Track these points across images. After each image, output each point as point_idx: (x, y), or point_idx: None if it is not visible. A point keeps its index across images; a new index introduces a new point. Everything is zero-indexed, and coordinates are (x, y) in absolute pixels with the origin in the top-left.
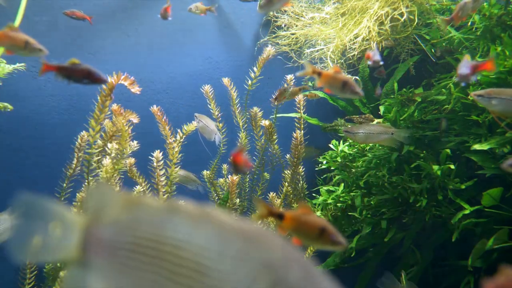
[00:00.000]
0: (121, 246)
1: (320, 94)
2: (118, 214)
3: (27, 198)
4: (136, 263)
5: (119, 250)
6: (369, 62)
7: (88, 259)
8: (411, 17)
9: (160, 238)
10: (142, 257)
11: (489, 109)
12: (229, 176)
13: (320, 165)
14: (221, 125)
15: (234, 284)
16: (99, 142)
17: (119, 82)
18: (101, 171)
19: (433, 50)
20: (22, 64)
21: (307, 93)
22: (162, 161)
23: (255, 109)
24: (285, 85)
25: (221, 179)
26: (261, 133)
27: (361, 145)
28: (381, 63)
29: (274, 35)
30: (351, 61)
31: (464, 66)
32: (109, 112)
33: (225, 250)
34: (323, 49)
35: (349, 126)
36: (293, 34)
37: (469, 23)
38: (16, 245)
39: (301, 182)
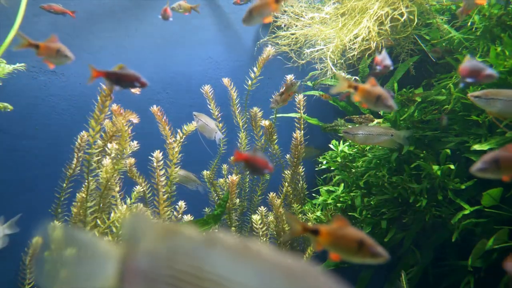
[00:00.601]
0: (159, 278)
1: (319, 94)
2: (155, 244)
3: (59, 228)
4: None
5: (156, 283)
6: (378, 67)
7: None
8: (411, 17)
9: (199, 272)
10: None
11: (487, 110)
12: (229, 176)
13: (320, 165)
14: (221, 125)
15: None
16: (99, 142)
17: None
18: (101, 171)
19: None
20: (22, 64)
21: (321, 93)
22: (162, 161)
23: (255, 109)
24: (290, 81)
25: (221, 179)
26: (261, 133)
27: (361, 145)
28: (391, 68)
29: (274, 35)
30: (351, 61)
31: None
32: (109, 112)
33: None
34: (323, 49)
35: (349, 127)
36: (293, 34)
37: (469, 23)
38: (48, 277)
39: (301, 182)
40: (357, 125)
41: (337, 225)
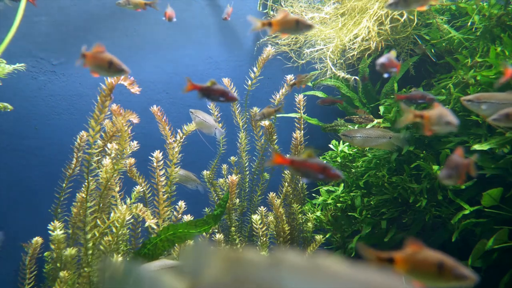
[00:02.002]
0: None
1: (320, 94)
2: (219, 274)
3: (120, 266)
4: None
5: None
6: (386, 75)
7: None
8: (411, 17)
9: None
10: None
11: (480, 114)
12: (229, 176)
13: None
14: (220, 125)
15: None
16: (99, 142)
17: (119, 82)
18: (101, 171)
19: (433, 51)
20: (22, 64)
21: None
22: (162, 161)
23: (255, 109)
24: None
25: (221, 179)
26: (261, 133)
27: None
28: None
29: (274, 35)
30: (350, 61)
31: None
32: (109, 112)
33: None
34: (322, 49)
35: (348, 129)
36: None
37: (469, 23)
38: None
39: (301, 182)
40: (356, 126)
41: (412, 250)
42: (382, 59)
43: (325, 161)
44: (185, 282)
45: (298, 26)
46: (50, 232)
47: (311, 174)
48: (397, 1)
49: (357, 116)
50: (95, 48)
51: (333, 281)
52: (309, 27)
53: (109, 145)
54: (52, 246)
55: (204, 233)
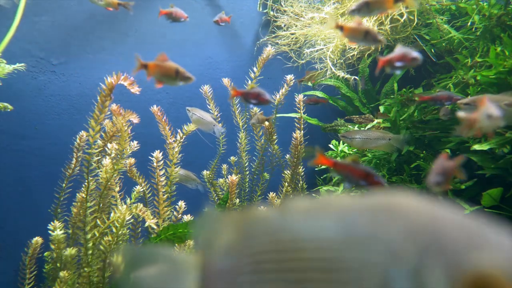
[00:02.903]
0: (242, 271)
1: (320, 94)
2: (231, 238)
3: (130, 249)
4: (260, 284)
5: (240, 277)
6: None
7: None
8: (411, 17)
9: (278, 246)
10: (265, 275)
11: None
12: (229, 176)
13: (320, 165)
14: (220, 124)
15: (372, 269)
16: (99, 142)
17: (119, 82)
18: (100, 171)
19: (433, 51)
20: (22, 64)
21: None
22: (162, 161)
23: (255, 109)
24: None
25: (221, 179)
26: (261, 133)
27: None
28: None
29: (273, 35)
30: (350, 61)
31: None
32: (109, 113)
33: (349, 234)
34: (322, 49)
35: (347, 130)
36: (292, 34)
37: (469, 23)
38: None
39: (301, 182)
40: (356, 127)
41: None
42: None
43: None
44: (199, 256)
45: (366, 37)
46: (50, 232)
47: (353, 179)
48: (359, 8)
49: (357, 116)
50: (159, 58)
51: (334, 212)
52: (377, 41)
53: (109, 145)
54: (52, 246)
55: None
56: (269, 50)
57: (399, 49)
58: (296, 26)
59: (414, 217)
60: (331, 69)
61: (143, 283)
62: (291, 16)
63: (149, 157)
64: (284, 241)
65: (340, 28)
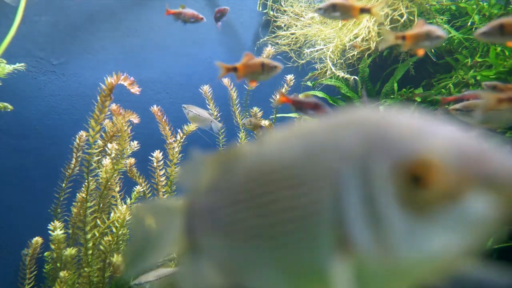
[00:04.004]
0: (221, 205)
1: (320, 94)
2: (211, 177)
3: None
4: (237, 214)
5: (220, 211)
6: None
7: (196, 240)
8: (411, 17)
9: (250, 176)
10: (240, 205)
11: (469, 121)
12: None
13: (281, 102)
14: (220, 124)
15: (327, 175)
16: (99, 142)
17: (119, 82)
18: (100, 171)
19: (433, 51)
20: (22, 64)
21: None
22: (162, 161)
23: (255, 109)
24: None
25: None
26: (261, 133)
27: None
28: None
29: (273, 35)
30: (350, 61)
31: None
32: (109, 113)
33: (310, 148)
34: (322, 49)
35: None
36: (292, 34)
37: (469, 23)
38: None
39: None
40: None
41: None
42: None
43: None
44: (185, 198)
45: (428, 36)
46: (50, 232)
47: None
48: (325, 7)
49: None
50: (245, 58)
51: (299, 133)
52: (440, 38)
53: (109, 145)
54: (52, 246)
55: None
56: (269, 50)
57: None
58: (296, 26)
59: (365, 122)
60: (331, 69)
61: (143, 231)
62: (291, 16)
63: (149, 157)
64: (255, 171)
65: (402, 37)
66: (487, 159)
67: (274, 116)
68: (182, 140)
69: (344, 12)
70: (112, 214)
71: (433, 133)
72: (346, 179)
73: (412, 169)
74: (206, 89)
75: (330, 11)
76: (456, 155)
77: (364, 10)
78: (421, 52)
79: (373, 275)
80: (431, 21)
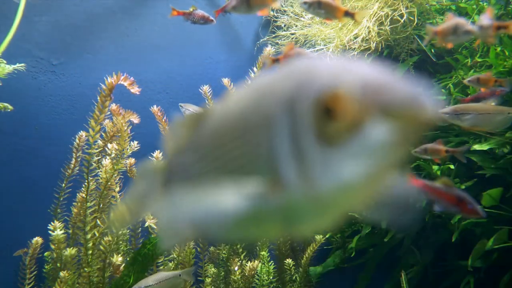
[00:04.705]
0: (191, 163)
1: None
2: (184, 138)
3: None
4: (203, 170)
5: (191, 167)
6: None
7: (172, 193)
8: (411, 18)
9: (212, 131)
10: (204, 161)
11: (459, 125)
12: None
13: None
14: None
15: (264, 118)
16: (99, 142)
17: (119, 82)
18: (100, 171)
19: (433, 51)
20: (22, 64)
21: None
22: (162, 161)
23: None
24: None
25: None
26: None
27: None
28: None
29: (273, 35)
30: None
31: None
32: (109, 113)
33: (256, 97)
34: (322, 49)
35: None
36: (292, 34)
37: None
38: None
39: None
40: None
41: None
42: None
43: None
44: (164, 159)
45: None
46: (50, 232)
47: (444, 204)
48: (311, 2)
49: None
50: (287, 48)
51: (262, 82)
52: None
53: (109, 145)
54: (52, 246)
55: None
56: (269, 50)
57: (453, 20)
58: (296, 26)
59: (297, 69)
60: None
61: (132, 194)
62: (291, 16)
63: (149, 157)
64: (215, 127)
65: (435, 33)
66: (386, 88)
67: None
68: None
69: (329, 12)
70: (112, 214)
71: (347, 71)
72: (278, 121)
73: (324, 102)
74: (206, 89)
75: (315, 7)
76: (361, 87)
77: (348, 14)
78: (449, 45)
79: (303, 209)
80: (431, 21)
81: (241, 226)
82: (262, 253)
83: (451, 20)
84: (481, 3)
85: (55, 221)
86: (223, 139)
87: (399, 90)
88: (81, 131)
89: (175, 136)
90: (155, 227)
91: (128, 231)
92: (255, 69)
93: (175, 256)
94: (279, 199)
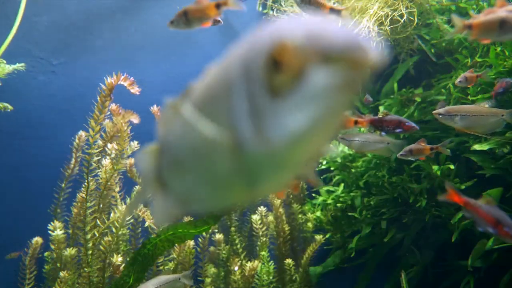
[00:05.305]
0: (165, 162)
1: None
2: (162, 135)
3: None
4: (171, 168)
5: (175, 151)
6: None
7: (163, 178)
8: (411, 18)
9: (181, 137)
10: (174, 162)
11: (452, 126)
12: None
13: (320, 165)
14: None
15: (231, 83)
16: (99, 142)
17: (119, 83)
18: (100, 171)
19: (433, 51)
20: (22, 64)
21: None
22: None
23: None
24: None
25: None
26: None
27: None
28: None
29: None
30: None
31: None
32: (109, 113)
33: (223, 68)
34: None
35: (346, 132)
36: None
37: None
38: None
39: (301, 182)
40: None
41: None
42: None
43: (499, 212)
44: (156, 144)
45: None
46: (50, 232)
47: (483, 223)
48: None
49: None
50: (485, 12)
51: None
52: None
53: (109, 145)
54: (52, 246)
55: (204, 233)
56: None
57: (499, 11)
58: None
59: (260, 31)
60: None
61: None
62: (291, 16)
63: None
64: (193, 103)
65: (469, 26)
66: (326, 34)
67: None
68: None
69: (316, 8)
70: (112, 214)
71: (292, 23)
72: (237, 84)
73: (271, 56)
74: None
75: (306, 2)
76: (302, 36)
77: (334, 11)
78: (486, 41)
79: (262, 166)
80: (431, 21)
81: (210, 186)
82: (262, 253)
83: (496, 11)
84: (481, 3)
85: (55, 221)
86: (205, 102)
87: (338, 35)
88: (81, 131)
89: (166, 118)
90: (154, 227)
91: (128, 231)
92: None
93: (175, 256)
94: (240, 158)
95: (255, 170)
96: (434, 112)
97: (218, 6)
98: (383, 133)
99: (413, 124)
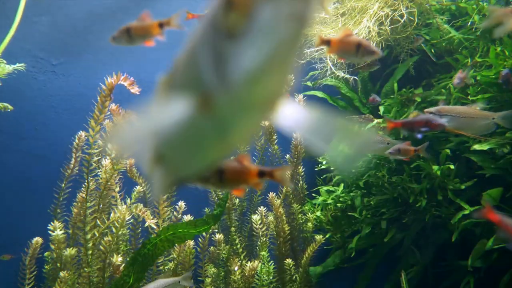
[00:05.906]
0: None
1: (320, 94)
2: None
3: None
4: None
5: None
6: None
7: (161, 152)
8: (411, 18)
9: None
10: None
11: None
12: None
13: (320, 165)
14: None
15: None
16: (100, 142)
17: (119, 83)
18: (100, 171)
19: (433, 51)
20: (22, 64)
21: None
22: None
23: None
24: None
25: None
26: (261, 133)
27: None
28: None
29: None
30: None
31: None
32: (109, 113)
33: (194, 34)
34: (323, 49)
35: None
36: None
37: (469, 23)
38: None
39: (301, 182)
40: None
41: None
42: None
43: None
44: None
45: (358, 50)
46: (50, 232)
47: (417, 129)
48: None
49: (357, 117)
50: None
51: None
52: (372, 53)
53: (109, 145)
54: (52, 246)
55: (204, 233)
56: None
57: None
58: None
59: None
60: (331, 69)
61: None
62: None
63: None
64: (176, 67)
65: (327, 42)
66: None
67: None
68: None
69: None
70: (112, 214)
71: None
72: (204, 38)
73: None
74: None
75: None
76: None
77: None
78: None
79: (230, 114)
80: (431, 21)
81: (193, 150)
82: (262, 253)
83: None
84: (481, 3)
85: (55, 221)
86: (178, 72)
87: None
88: (81, 131)
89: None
90: (155, 227)
91: (128, 231)
92: None
93: (175, 256)
94: (211, 112)
95: (226, 118)
96: (425, 110)
97: (161, 25)
98: (418, 136)
99: (440, 121)
